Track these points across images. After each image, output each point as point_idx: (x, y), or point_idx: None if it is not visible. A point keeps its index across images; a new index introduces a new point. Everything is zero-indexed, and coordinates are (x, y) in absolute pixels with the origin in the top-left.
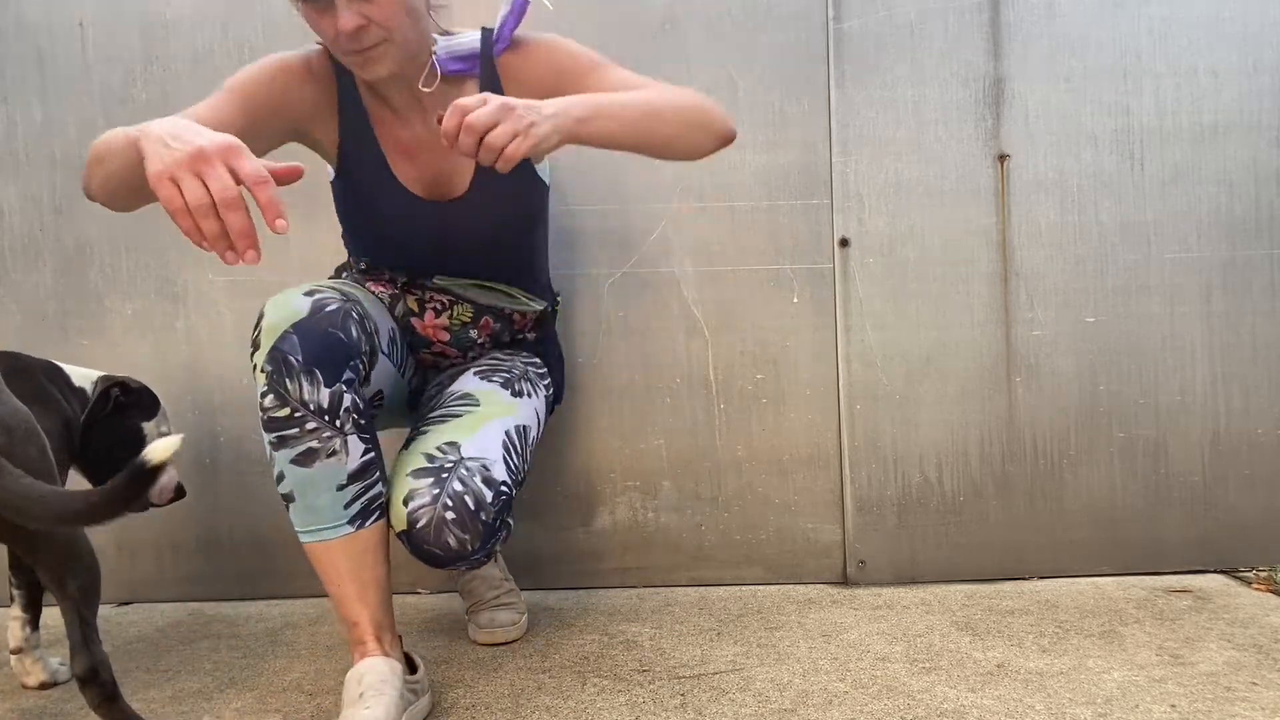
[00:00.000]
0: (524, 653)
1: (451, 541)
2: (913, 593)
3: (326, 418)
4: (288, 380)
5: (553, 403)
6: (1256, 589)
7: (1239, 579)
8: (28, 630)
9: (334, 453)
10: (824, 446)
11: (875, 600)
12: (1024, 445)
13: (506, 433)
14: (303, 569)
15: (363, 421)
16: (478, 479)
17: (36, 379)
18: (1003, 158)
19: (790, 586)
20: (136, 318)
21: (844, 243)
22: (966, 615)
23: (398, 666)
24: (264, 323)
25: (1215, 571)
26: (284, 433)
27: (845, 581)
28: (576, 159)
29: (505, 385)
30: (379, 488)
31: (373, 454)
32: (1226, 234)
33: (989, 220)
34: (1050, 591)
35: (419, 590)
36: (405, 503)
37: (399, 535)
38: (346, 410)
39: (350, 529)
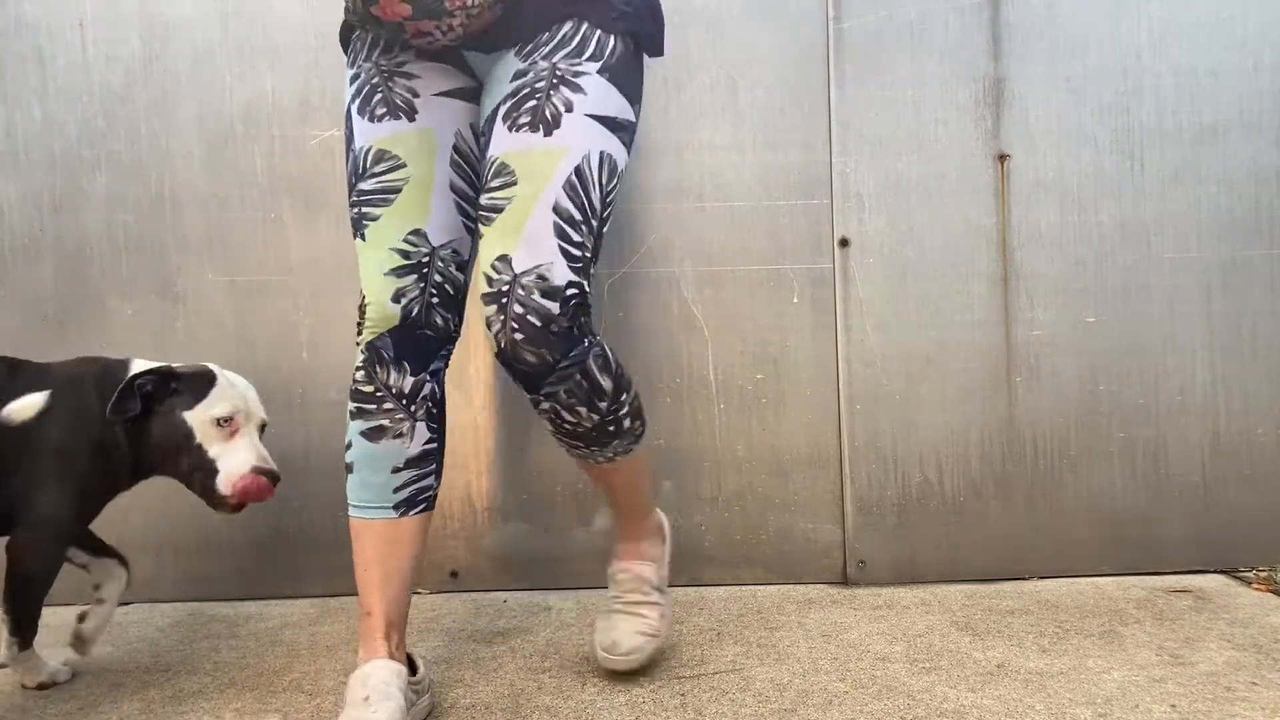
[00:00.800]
0: (524, 653)
1: (531, 358)
2: (913, 593)
3: (404, 401)
4: (378, 366)
5: (643, 50)
6: (1256, 589)
7: (1239, 579)
8: (14, 650)
9: (400, 435)
10: (824, 446)
11: (875, 600)
12: (1024, 445)
13: (555, 206)
14: (302, 569)
15: (435, 411)
16: (536, 295)
17: (81, 392)
18: (1003, 158)
19: (790, 586)
20: (136, 318)
21: (844, 243)
22: (966, 615)
23: (402, 670)
24: (365, 317)
25: (1215, 571)
26: (364, 405)
27: (845, 581)
28: None
29: (535, 124)
30: (430, 480)
31: (434, 444)
32: (1226, 234)
33: (989, 220)
34: (1050, 591)
35: (419, 590)
36: (489, 327)
37: (495, 356)
38: (424, 398)
39: (393, 514)
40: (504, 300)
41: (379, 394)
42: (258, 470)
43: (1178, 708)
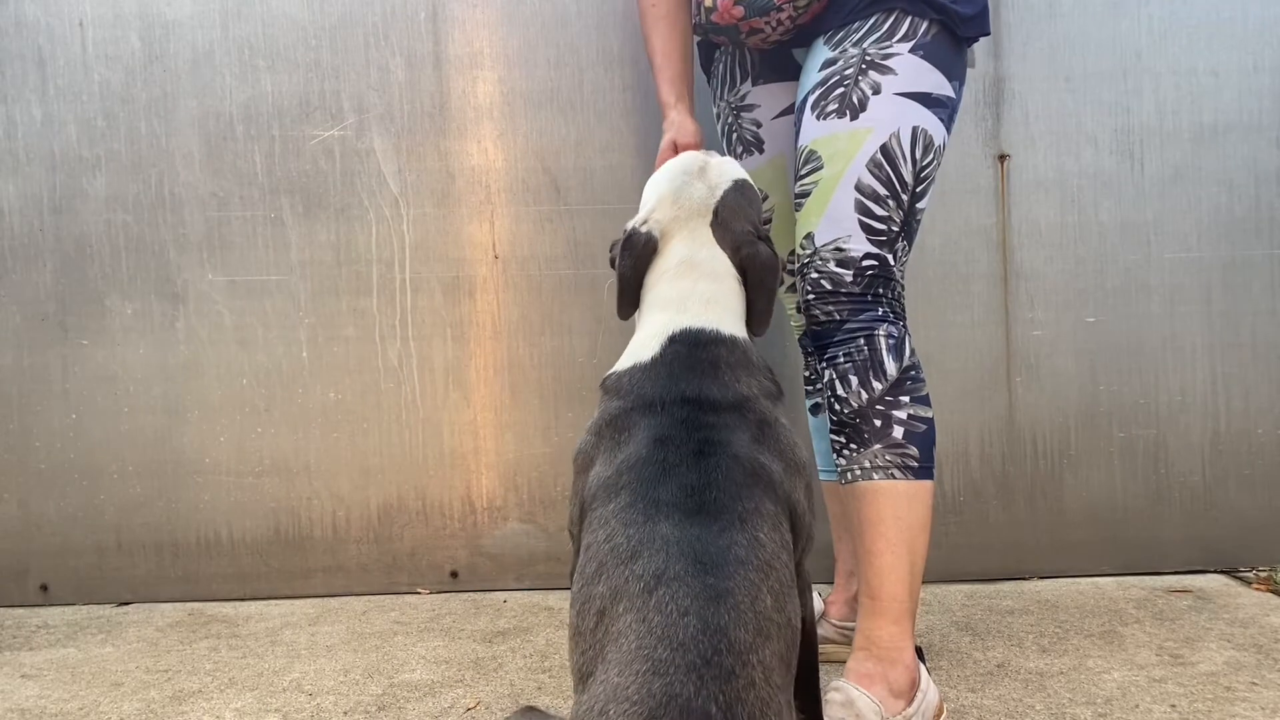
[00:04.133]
0: (524, 653)
1: (820, 315)
2: None
3: (816, 385)
4: (806, 356)
5: (957, 31)
6: (1256, 589)
7: (1239, 579)
8: None
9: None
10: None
11: None
12: (1024, 445)
13: (858, 183)
14: (302, 569)
15: (828, 395)
16: (831, 264)
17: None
18: (1003, 158)
19: None
20: (136, 318)
21: None
22: (966, 615)
23: None
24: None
25: (1215, 571)
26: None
27: None
28: (575, 158)
29: (841, 110)
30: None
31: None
32: (1226, 234)
33: (989, 220)
34: (1050, 591)
35: (419, 590)
36: (796, 291)
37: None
38: (822, 383)
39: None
40: (805, 272)
41: (810, 377)
42: None
43: (1178, 708)
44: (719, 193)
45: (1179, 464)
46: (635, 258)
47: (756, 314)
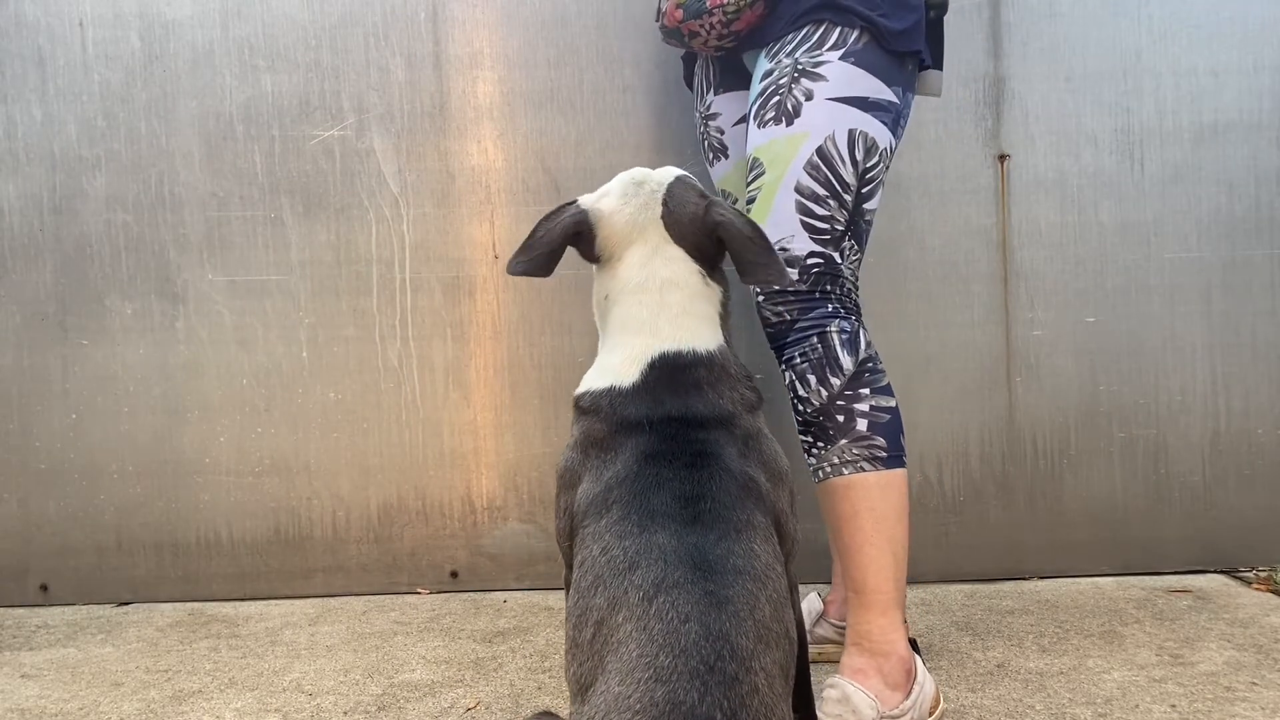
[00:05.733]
0: (524, 653)
1: (770, 316)
2: (913, 593)
3: None
4: None
5: (885, 43)
6: (1256, 589)
7: (1239, 579)
8: None
9: None
10: None
11: None
12: (1024, 445)
13: (797, 185)
14: (302, 569)
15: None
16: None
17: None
18: (1003, 158)
19: None
20: (136, 318)
21: None
22: (966, 615)
23: None
24: None
25: (1215, 571)
26: None
27: None
28: (575, 158)
29: (778, 117)
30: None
31: None
32: (1226, 234)
33: (989, 220)
34: (1050, 591)
35: (419, 590)
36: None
37: None
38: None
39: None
40: None
41: None
42: None
43: (1178, 708)
44: (665, 186)
45: (1179, 464)
46: (552, 223)
47: (757, 266)
